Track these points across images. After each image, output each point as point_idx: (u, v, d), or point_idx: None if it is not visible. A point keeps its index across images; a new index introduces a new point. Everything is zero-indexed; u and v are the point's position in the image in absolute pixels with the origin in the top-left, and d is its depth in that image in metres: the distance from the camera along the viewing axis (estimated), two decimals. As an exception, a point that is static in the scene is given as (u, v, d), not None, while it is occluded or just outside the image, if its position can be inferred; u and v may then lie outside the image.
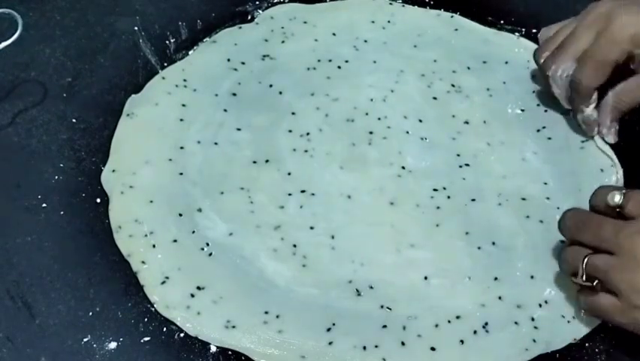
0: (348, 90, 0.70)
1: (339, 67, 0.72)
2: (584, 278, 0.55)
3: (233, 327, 0.57)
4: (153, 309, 0.58)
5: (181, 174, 0.65)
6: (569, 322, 0.59)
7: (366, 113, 0.69)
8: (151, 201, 0.63)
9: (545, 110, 0.71)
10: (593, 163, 0.68)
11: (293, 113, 0.69)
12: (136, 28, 0.73)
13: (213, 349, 0.57)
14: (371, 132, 0.68)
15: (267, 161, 0.66)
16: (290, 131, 0.67)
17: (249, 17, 0.75)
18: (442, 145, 0.68)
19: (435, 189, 0.65)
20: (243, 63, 0.72)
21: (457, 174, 0.66)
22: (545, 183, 0.66)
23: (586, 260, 0.55)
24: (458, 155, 0.67)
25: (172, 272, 0.59)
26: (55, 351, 0.56)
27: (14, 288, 0.59)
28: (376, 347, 0.57)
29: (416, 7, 0.77)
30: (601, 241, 0.54)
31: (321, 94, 0.70)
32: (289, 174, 0.65)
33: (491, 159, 0.67)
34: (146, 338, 0.57)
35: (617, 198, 0.55)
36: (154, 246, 0.61)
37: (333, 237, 0.62)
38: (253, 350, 0.56)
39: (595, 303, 0.55)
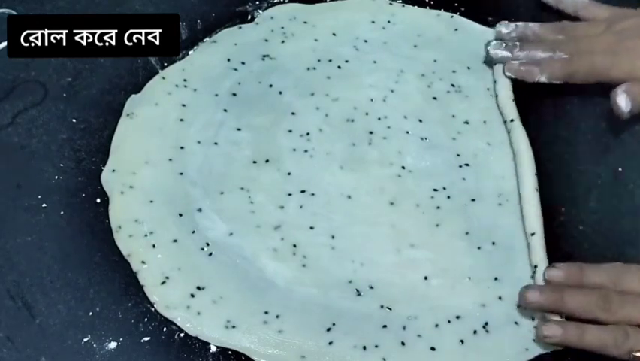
0: (348, 90, 0.70)
1: (339, 67, 0.72)
2: None
3: (234, 327, 0.57)
4: (153, 309, 0.58)
5: (181, 174, 0.65)
6: (568, 322, 0.59)
7: (366, 113, 0.69)
8: (151, 201, 0.63)
9: (545, 110, 0.71)
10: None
11: (293, 113, 0.69)
12: (136, 28, 0.73)
13: (213, 349, 0.57)
14: (371, 132, 0.68)
15: (267, 161, 0.66)
16: (290, 131, 0.67)
17: (249, 17, 0.75)
18: (442, 145, 0.68)
19: (435, 189, 0.65)
20: (243, 63, 0.72)
21: (457, 174, 0.66)
22: (545, 183, 0.66)
23: None
24: (458, 155, 0.67)
25: (172, 272, 0.60)
26: (55, 351, 0.56)
27: (14, 288, 0.59)
28: (376, 347, 0.57)
29: (416, 7, 0.77)
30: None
31: (321, 94, 0.70)
32: (289, 174, 0.65)
33: (491, 159, 0.67)
34: (146, 338, 0.57)
35: None
36: (154, 246, 0.61)
37: (333, 237, 0.62)
38: (253, 350, 0.56)
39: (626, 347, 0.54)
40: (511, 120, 0.68)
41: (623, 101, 0.65)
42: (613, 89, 0.66)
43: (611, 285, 0.56)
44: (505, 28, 0.73)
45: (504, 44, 0.71)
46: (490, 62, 0.72)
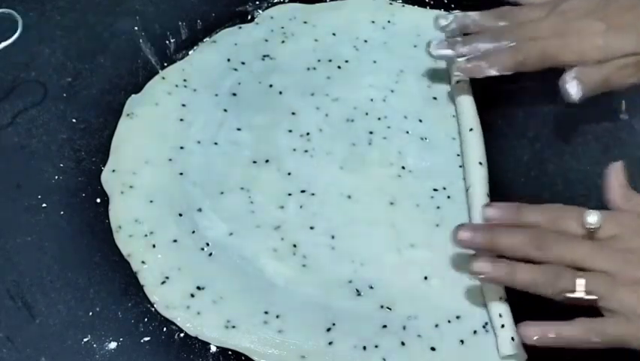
0: (348, 90, 0.70)
1: (339, 67, 0.72)
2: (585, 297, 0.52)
3: (233, 327, 0.57)
4: (153, 309, 0.58)
5: (181, 174, 0.65)
6: (568, 322, 0.59)
7: (366, 113, 0.69)
8: (151, 201, 0.63)
9: (545, 110, 0.71)
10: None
11: (293, 113, 0.69)
12: (136, 28, 0.73)
13: (213, 349, 0.57)
14: (371, 132, 0.68)
15: (267, 161, 0.66)
16: (290, 131, 0.67)
17: (249, 17, 0.75)
18: (442, 145, 0.68)
19: (435, 189, 0.65)
20: (243, 63, 0.72)
21: (457, 174, 0.66)
22: (545, 183, 0.66)
23: (583, 282, 0.52)
24: (458, 155, 0.67)
25: (172, 272, 0.60)
26: (55, 351, 0.56)
27: (14, 288, 0.59)
28: (376, 347, 0.57)
29: (416, 7, 0.77)
30: (578, 261, 0.53)
31: (321, 94, 0.70)
32: (289, 174, 0.65)
33: (491, 158, 0.67)
34: (146, 338, 0.57)
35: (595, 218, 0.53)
36: (154, 246, 0.61)
37: (333, 237, 0.62)
38: (253, 350, 0.56)
39: (607, 332, 0.51)
40: (470, 130, 0.66)
41: (574, 87, 0.62)
42: (562, 73, 0.63)
43: (548, 225, 0.54)
44: (444, 20, 0.69)
45: (446, 42, 0.67)
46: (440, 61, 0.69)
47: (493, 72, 0.65)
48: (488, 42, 0.66)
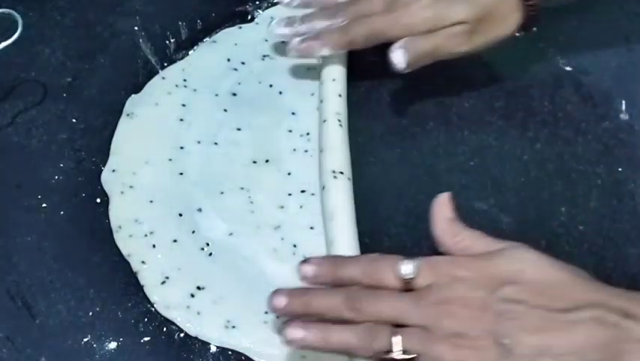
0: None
1: (339, 67, 0.72)
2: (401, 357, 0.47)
3: (233, 327, 0.57)
4: (153, 309, 0.58)
5: (181, 174, 0.65)
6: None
7: (366, 113, 0.69)
8: (151, 201, 0.63)
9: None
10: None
11: (293, 113, 0.69)
12: (136, 28, 0.73)
13: (213, 349, 0.57)
14: (371, 132, 0.68)
15: (267, 161, 0.66)
16: (290, 131, 0.67)
17: (249, 17, 0.75)
18: (442, 145, 0.68)
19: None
20: (243, 63, 0.72)
21: (457, 174, 0.66)
22: (545, 183, 0.66)
23: (399, 339, 0.47)
24: (458, 155, 0.67)
25: (172, 272, 0.60)
26: (55, 351, 0.56)
27: (14, 288, 0.59)
28: (376, 347, 0.57)
29: (416, 6, 0.77)
30: (393, 317, 0.48)
31: (321, 94, 0.70)
32: (289, 174, 0.65)
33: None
34: (146, 338, 0.57)
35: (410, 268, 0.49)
36: (154, 246, 0.61)
37: (333, 237, 0.62)
38: (253, 350, 0.57)
39: None
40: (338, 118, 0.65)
41: (399, 57, 0.62)
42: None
43: (366, 279, 0.50)
44: None
45: (285, 21, 0.67)
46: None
47: (326, 52, 0.65)
48: (324, 20, 0.66)
